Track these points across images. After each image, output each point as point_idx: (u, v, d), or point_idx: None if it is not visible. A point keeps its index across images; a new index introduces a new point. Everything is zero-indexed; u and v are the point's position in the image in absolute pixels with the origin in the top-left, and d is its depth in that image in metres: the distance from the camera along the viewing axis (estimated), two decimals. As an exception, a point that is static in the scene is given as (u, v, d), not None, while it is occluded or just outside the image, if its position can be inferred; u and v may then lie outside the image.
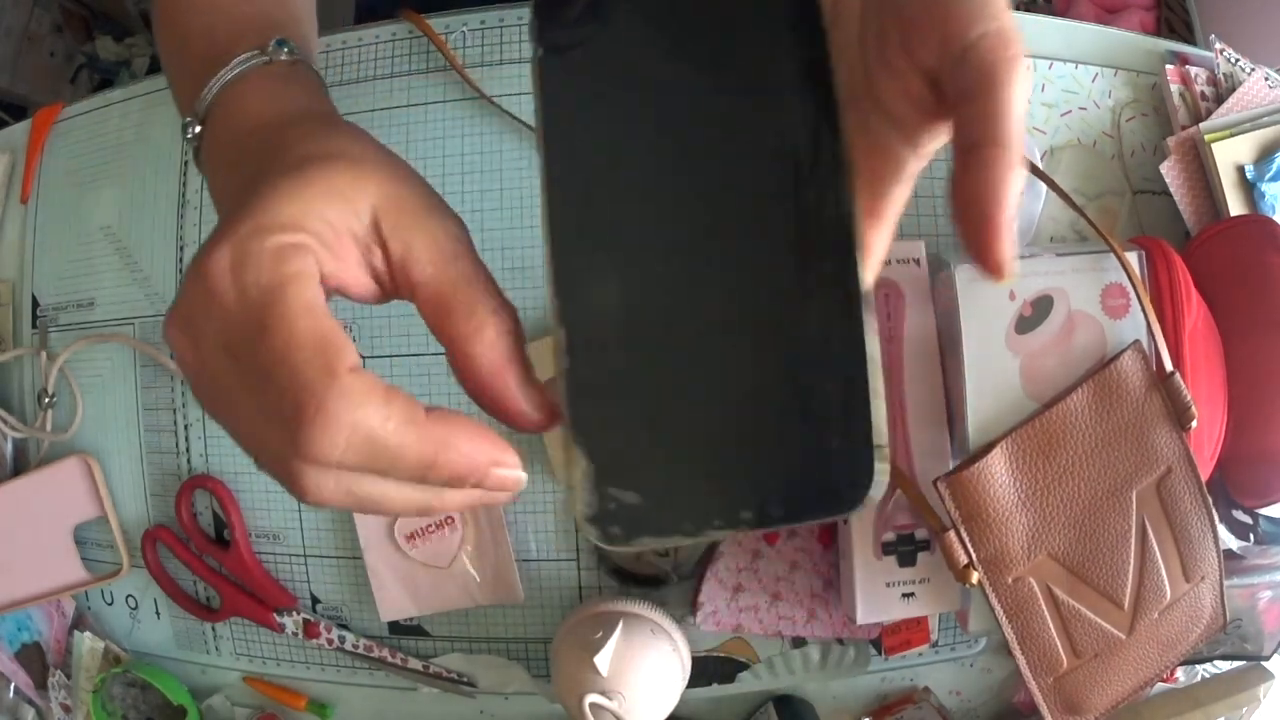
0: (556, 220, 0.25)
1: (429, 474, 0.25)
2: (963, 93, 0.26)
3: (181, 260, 0.63)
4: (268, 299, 0.24)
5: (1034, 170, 0.53)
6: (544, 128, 0.26)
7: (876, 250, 0.28)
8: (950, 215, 0.26)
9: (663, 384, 0.25)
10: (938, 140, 0.28)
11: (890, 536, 0.53)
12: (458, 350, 0.26)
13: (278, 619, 0.61)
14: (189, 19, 0.40)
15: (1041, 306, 0.51)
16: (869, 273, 0.26)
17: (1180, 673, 0.62)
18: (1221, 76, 0.61)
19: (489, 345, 0.26)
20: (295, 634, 0.62)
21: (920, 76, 0.27)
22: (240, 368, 0.25)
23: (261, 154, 0.30)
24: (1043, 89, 0.61)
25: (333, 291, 0.27)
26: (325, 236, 0.26)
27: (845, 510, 0.24)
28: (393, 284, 0.28)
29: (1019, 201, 0.25)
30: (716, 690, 0.61)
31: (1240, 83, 0.61)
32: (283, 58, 0.36)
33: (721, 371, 0.25)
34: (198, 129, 0.36)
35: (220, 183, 0.34)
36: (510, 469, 0.26)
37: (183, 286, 0.26)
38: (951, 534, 0.50)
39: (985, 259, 0.25)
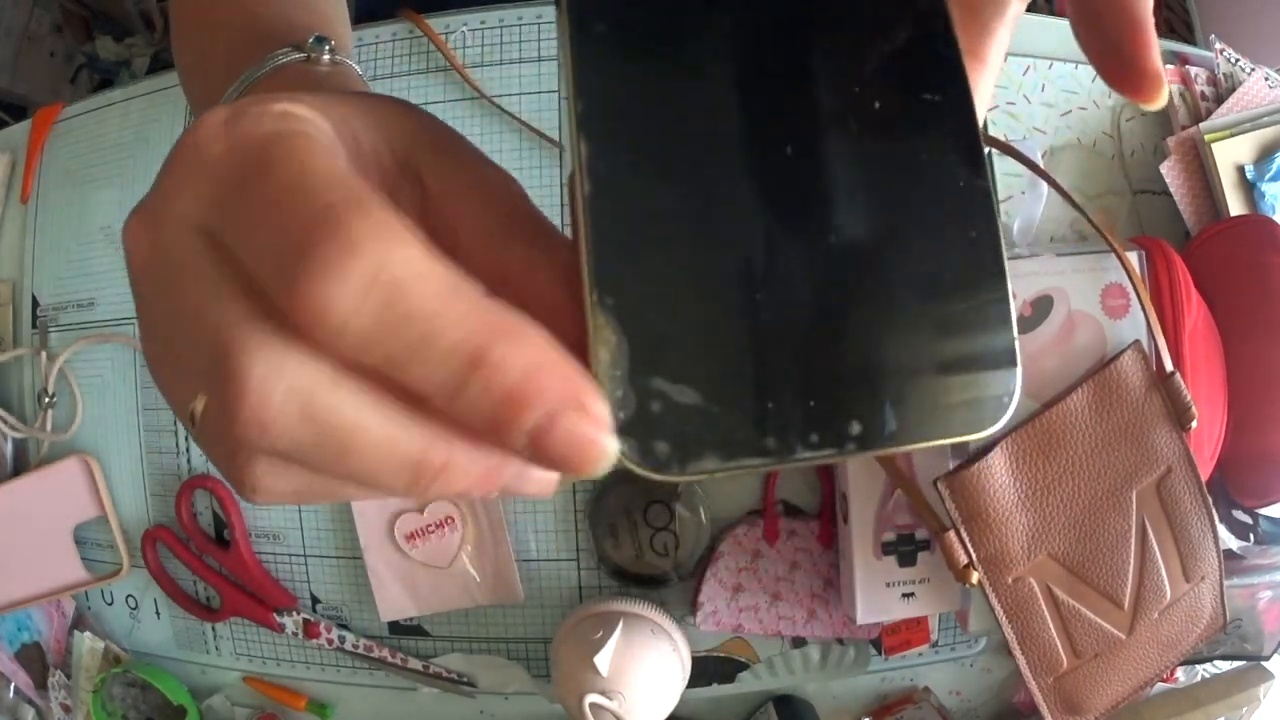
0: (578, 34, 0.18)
1: (470, 379, 0.15)
2: None
3: (181, 260, 0.63)
4: (273, 139, 0.17)
5: (1034, 168, 0.53)
6: None
7: (983, 95, 0.22)
8: (1076, 37, 0.21)
9: (736, 230, 0.17)
10: None
11: (890, 536, 0.53)
12: (515, 295, 0.17)
13: (278, 619, 0.61)
14: (212, 13, 0.36)
15: (1041, 306, 0.51)
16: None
17: (1180, 673, 0.62)
18: (1221, 76, 0.61)
19: (549, 281, 0.19)
20: (295, 634, 0.62)
21: None
22: (214, 248, 0.17)
23: None
24: (1043, 89, 0.61)
25: None
26: (347, 141, 0.19)
27: (979, 430, 0.18)
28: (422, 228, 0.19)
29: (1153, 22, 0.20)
30: (716, 690, 0.61)
31: (1240, 83, 0.61)
32: (325, 57, 0.31)
33: (814, 229, 0.18)
34: None
35: None
36: (594, 423, 0.16)
37: (156, 178, 0.19)
38: (951, 534, 0.50)
39: (1143, 74, 0.20)
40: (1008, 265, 0.18)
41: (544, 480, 0.18)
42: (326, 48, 0.31)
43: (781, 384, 0.17)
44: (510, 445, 0.16)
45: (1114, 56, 0.20)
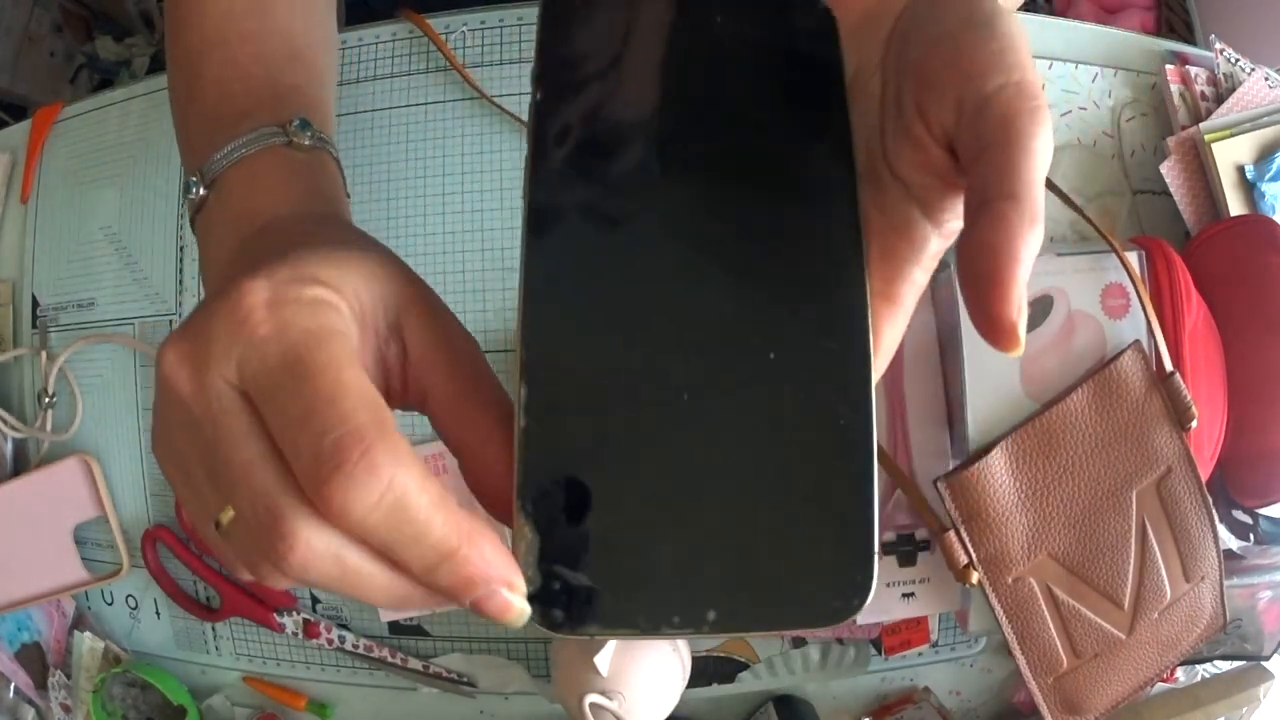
0: (532, 267, 0.23)
1: (441, 565, 0.23)
2: (979, 147, 0.24)
3: (181, 260, 0.63)
4: (312, 342, 0.23)
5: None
6: (531, 174, 0.24)
7: (888, 341, 0.26)
8: (957, 277, 0.23)
9: (630, 460, 0.22)
10: (959, 217, 0.25)
11: (890, 536, 0.53)
12: (471, 456, 0.25)
13: (278, 619, 0.61)
14: (201, 65, 0.38)
15: (1041, 306, 0.51)
16: (878, 366, 0.24)
17: (1180, 673, 0.62)
18: (1221, 76, 0.61)
19: (499, 452, 0.24)
20: (295, 634, 0.62)
21: (940, 144, 0.25)
22: (251, 411, 0.23)
23: (284, 235, 0.29)
24: (1043, 89, 0.61)
25: None
26: (353, 310, 0.25)
27: (830, 623, 0.22)
28: (402, 385, 0.26)
29: (1030, 265, 0.22)
30: (716, 690, 0.61)
31: (1240, 83, 0.61)
32: (305, 142, 0.34)
33: (701, 454, 0.22)
34: (202, 192, 0.34)
35: (220, 258, 0.32)
36: (518, 596, 0.23)
37: (198, 315, 0.24)
38: (951, 534, 0.50)
39: (992, 326, 0.21)
40: (875, 489, 0.22)
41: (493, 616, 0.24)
42: (308, 133, 0.35)
43: (652, 575, 0.22)
44: (461, 604, 0.23)
45: (975, 305, 0.22)
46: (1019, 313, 0.21)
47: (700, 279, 0.23)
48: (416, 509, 0.22)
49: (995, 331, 0.21)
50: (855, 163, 0.25)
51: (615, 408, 0.22)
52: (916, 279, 0.26)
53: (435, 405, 0.26)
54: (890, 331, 0.25)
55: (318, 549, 0.22)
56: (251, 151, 0.34)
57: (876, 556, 0.22)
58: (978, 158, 0.24)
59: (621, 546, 0.22)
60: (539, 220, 0.23)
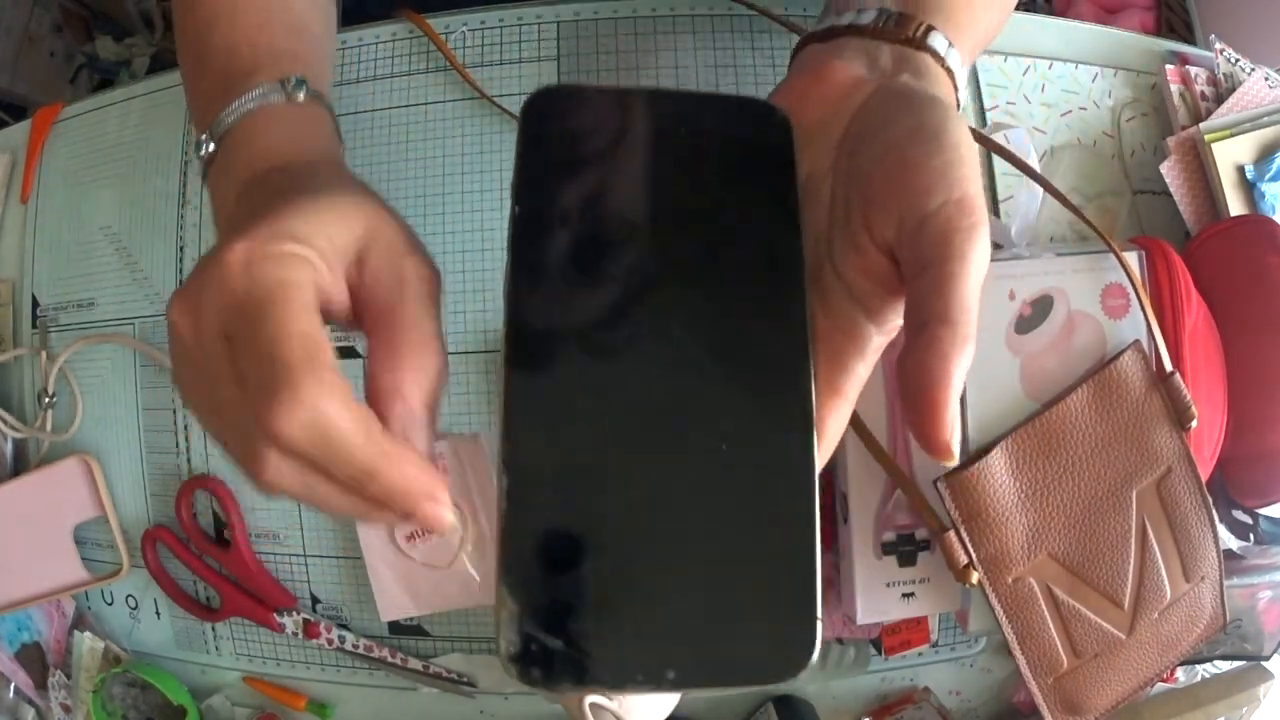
0: (514, 377, 0.26)
1: (368, 483, 0.27)
2: (917, 265, 0.26)
3: (181, 260, 0.63)
4: (272, 293, 0.27)
5: (1030, 174, 0.53)
6: (510, 285, 0.27)
7: (832, 430, 0.28)
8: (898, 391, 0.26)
9: (597, 539, 0.25)
10: (900, 317, 0.28)
11: (890, 536, 0.53)
12: (381, 385, 0.28)
13: (278, 619, 0.61)
14: (210, 35, 0.42)
15: (1041, 307, 0.51)
16: (822, 453, 0.27)
17: (1180, 673, 0.62)
18: (1221, 76, 0.61)
19: (394, 378, 0.28)
20: (295, 634, 0.62)
21: (883, 253, 0.27)
22: (230, 351, 0.27)
23: (274, 188, 0.33)
24: (1043, 89, 0.61)
25: (320, 302, 0.29)
26: (325, 252, 0.29)
27: (778, 680, 0.24)
28: (356, 309, 0.30)
29: (962, 382, 0.25)
30: (716, 690, 0.61)
31: (1240, 83, 0.61)
32: (300, 97, 0.39)
33: (661, 534, 0.25)
34: (211, 148, 0.38)
35: (226, 204, 0.36)
36: (441, 507, 0.27)
37: (195, 270, 0.29)
38: (952, 534, 0.50)
39: (926, 443, 0.25)
40: (818, 561, 0.25)
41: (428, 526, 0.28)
42: (303, 90, 0.39)
43: (618, 641, 0.24)
44: (398, 516, 0.28)
45: (911, 421, 0.25)
46: (951, 432, 0.24)
47: (663, 380, 0.26)
48: (339, 434, 0.26)
49: (929, 447, 0.25)
50: (805, 267, 0.28)
51: (586, 497, 0.25)
52: (859, 373, 0.29)
53: (370, 326, 0.30)
54: (834, 421, 0.28)
55: (284, 470, 0.27)
56: (253, 107, 0.38)
57: (819, 621, 0.24)
58: (917, 275, 0.26)
59: (590, 616, 0.24)
60: (518, 327, 0.26)
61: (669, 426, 0.26)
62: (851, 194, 0.29)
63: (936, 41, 0.34)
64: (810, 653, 0.24)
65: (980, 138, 0.53)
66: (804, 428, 0.26)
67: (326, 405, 0.25)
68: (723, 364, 0.26)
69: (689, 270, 0.28)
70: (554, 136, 0.29)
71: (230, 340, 0.27)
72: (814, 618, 0.24)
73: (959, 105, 0.35)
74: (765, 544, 0.25)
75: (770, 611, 0.25)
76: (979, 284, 0.26)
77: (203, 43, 0.42)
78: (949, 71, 0.34)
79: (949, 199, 0.26)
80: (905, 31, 0.33)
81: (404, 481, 0.27)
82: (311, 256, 0.28)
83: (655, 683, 0.24)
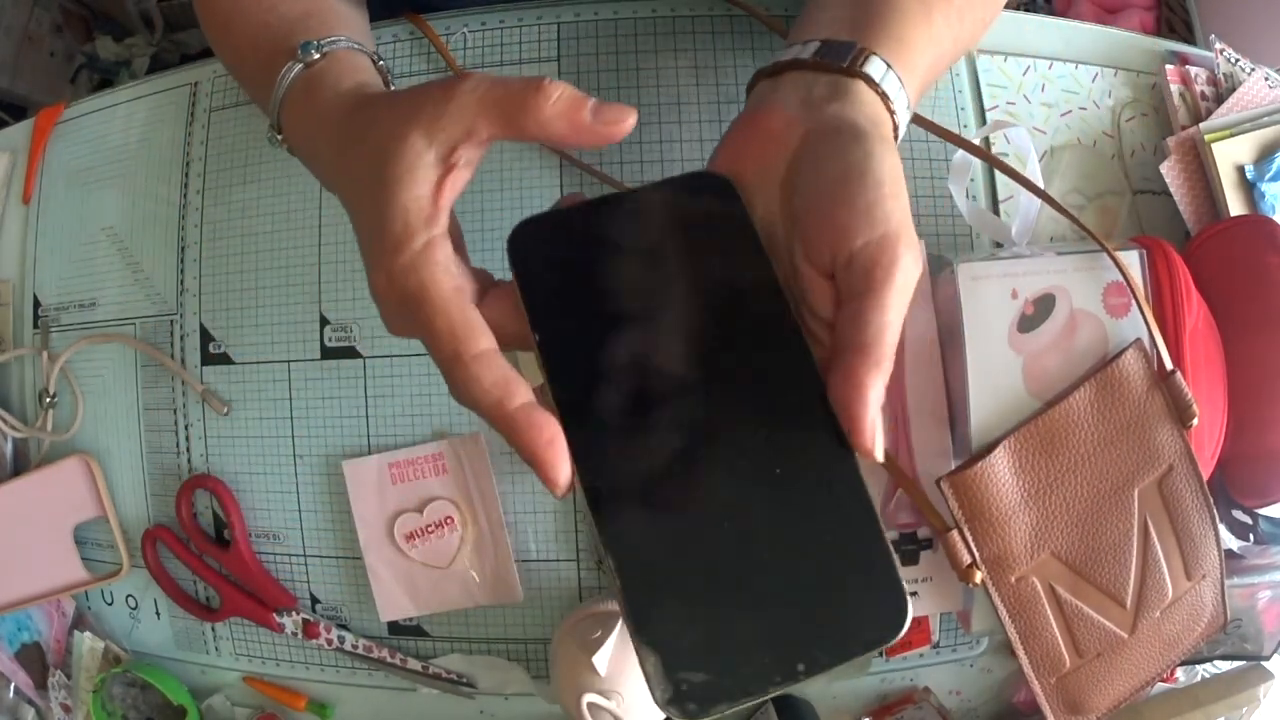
0: (587, 472, 0.31)
1: (512, 439, 0.31)
2: (846, 296, 0.31)
3: (182, 261, 0.63)
4: (416, 301, 0.32)
5: (1020, 180, 0.53)
6: (552, 389, 0.31)
7: (872, 406, 0.30)
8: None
9: (707, 580, 0.29)
10: None
11: (893, 535, 0.53)
12: (530, 118, 0.32)
13: (278, 619, 0.61)
14: (237, 38, 0.46)
15: (1043, 305, 0.51)
16: (878, 449, 0.30)
17: (1180, 673, 0.62)
18: (1221, 76, 0.61)
19: (554, 97, 0.32)
20: (295, 634, 0.62)
21: (828, 282, 0.32)
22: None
23: (349, 136, 0.36)
24: (1043, 89, 0.61)
25: (460, 194, 0.34)
26: (437, 199, 0.33)
27: (890, 640, 0.29)
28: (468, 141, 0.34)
29: (881, 398, 0.30)
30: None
31: (1240, 83, 0.61)
32: (315, 56, 0.41)
33: (756, 560, 0.29)
34: (279, 138, 0.43)
35: (325, 161, 0.39)
36: (557, 466, 0.30)
37: (374, 298, 0.34)
38: (954, 533, 0.50)
39: (856, 446, 0.30)
40: (886, 534, 0.29)
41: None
42: (313, 49, 0.41)
43: (750, 658, 0.28)
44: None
45: (847, 431, 0.30)
46: (873, 440, 0.29)
47: (715, 437, 0.31)
48: (488, 400, 0.31)
49: (859, 450, 0.30)
50: (790, 309, 0.32)
51: (685, 552, 0.29)
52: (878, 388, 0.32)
53: (486, 112, 0.33)
54: (870, 401, 0.31)
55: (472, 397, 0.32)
56: (285, 93, 0.41)
57: (904, 581, 0.29)
58: (842, 306, 0.31)
59: (721, 644, 0.28)
60: (574, 429, 0.31)
61: (734, 474, 0.30)
62: (792, 236, 0.33)
63: (873, 67, 0.36)
64: (906, 608, 0.28)
65: (977, 151, 0.53)
66: (839, 441, 0.30)
67: (480, 396, 0.31)
68: (759, 413, 0.31)
69: (703, 343, 0.32)
70: (545, 264, 0.33)
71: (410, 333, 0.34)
72: (899, 580, 0.29)
73: (896, 127, 0.37)
74: (843, 540, 0.29)
75: (864, 589, 0.29)
76: (902, 310, 0.30)
77: (234, 37, 0.47)
78: (883, 96, 0.36)
79: (870, 239, 0.30)
80: (842, 61, 0.36)
81: (530, 454, 0.30)
82: (426, 237, 0.32)
83: (792, 678, 0.28)
